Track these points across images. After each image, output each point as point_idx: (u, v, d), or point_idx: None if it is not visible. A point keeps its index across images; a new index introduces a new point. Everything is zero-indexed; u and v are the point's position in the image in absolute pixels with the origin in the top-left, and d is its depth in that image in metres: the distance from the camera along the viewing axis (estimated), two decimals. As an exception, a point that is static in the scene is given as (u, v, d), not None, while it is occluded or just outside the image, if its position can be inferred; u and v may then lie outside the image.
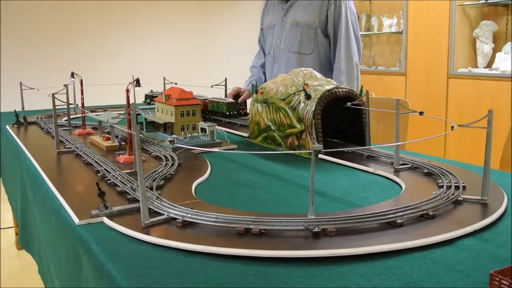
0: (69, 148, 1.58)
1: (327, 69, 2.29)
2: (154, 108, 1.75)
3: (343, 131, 1.64)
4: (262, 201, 1.07)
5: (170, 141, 1.53)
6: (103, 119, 1.61)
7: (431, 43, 4.07)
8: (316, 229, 0.83)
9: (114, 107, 2.59)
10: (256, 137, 1.73)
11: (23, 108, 2.28)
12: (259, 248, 0.77)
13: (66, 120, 2.07)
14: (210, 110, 2.23)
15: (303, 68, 1.69)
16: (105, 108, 2.56)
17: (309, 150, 1.44)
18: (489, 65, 3.84)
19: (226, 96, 2.34)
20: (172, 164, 1.32)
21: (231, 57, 5.51)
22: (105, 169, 1.27)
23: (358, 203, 1.04)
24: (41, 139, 1.84)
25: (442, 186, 1.08)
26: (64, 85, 1.97)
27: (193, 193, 1.12)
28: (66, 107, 2.01)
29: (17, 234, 2.71)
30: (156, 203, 0.98)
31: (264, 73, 2.53)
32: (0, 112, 2.72)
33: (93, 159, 1.39)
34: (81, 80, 1.88)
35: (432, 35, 4.04)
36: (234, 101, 2.19)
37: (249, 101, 1.95)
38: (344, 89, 1.49)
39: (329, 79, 1.62)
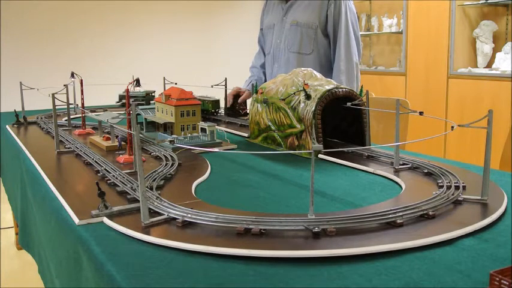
0: (69, 148, 1.58)
1: (327, 69, 2.29)
2: (154, 108, 1.76)
3: (343, 131, 1.64)
4: (262, 201, 1.07)
5: (170, 141, 1.53)
6: (103, 119, 1.61)
7: (431, 43, 4.07)
8: (316, 229, 0.83)
9: (114, 107, 2.59)
10: (256, 137, 1.73)
11: (23, 108, 2.28)
12: (259, 248, 0.77)
13: (66, 120, 2.07)
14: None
15: (303, 68, 1.69)
16: (105, 108, 2.56)
17: (309, 150, 1.44)
18: (489, 65, 3.84)
19: (226, 96, 2.34)
20: (172, 164, 1.32)
21: (231, 57, 5.51)
22: (105, 169, 1.27)
23: (358, 203, 1.04)
24: (41, 139, 1.84)
25: (442, 186, 1.08)
26: (64, 85, 1.97)
27: (193, 193, 1.12)
28: (66, 107, 2.01)
29: (17, 234, 2.71)
30: (156, 203, 0.98)
31: (264, 73, 2.53)
32: (0, 112, 2.72)
33: (93, 159, 1.38)
34: (81, 80, 1.88)
35: (432, 35, 4.04)
36: (218, 99, 2.23)
37: (249, 101, 1.95)
38: (344, 89, 1.49)
39: (329, 79, 1.62)
